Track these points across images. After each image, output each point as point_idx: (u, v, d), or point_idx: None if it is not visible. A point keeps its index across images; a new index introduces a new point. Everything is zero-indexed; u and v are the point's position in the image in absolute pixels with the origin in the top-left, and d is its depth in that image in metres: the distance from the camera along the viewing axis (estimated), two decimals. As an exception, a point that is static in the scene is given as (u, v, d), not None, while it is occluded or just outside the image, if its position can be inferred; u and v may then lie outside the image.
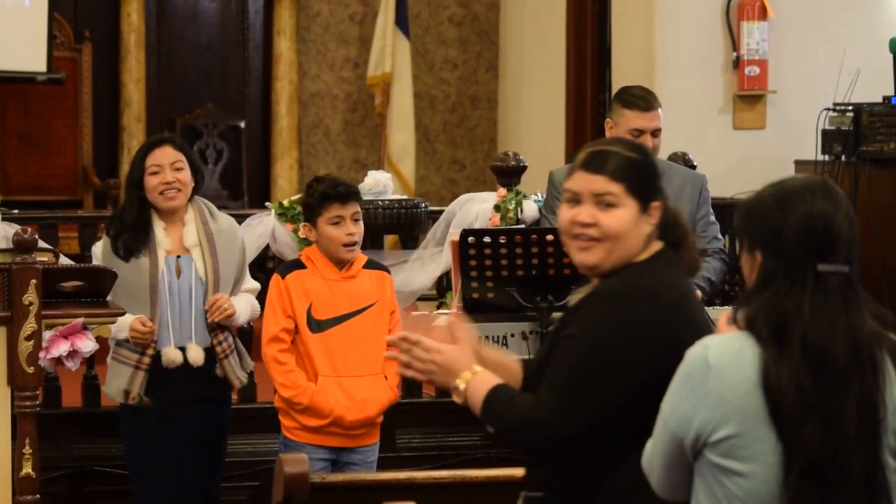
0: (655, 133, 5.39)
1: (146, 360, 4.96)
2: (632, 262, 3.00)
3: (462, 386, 2.98)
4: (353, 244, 4.98)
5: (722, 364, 2.58)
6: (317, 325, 4.95)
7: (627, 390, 2.86)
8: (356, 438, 5.01)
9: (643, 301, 2.92)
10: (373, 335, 4.98)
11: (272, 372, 4.98)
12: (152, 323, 4.92)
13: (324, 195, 4.99)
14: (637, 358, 2.87)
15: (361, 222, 5.03)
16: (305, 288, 4.96)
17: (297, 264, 5.05)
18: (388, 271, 5.16)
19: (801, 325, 2.55)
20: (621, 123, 5.39)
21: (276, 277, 5.01)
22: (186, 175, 5.03)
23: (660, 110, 5.43)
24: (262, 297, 5.18)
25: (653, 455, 2.72)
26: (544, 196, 5.75)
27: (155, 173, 5.01)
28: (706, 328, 2.91)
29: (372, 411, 4.98)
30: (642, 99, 5.42)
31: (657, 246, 3.05)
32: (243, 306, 5.06)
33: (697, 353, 2.62)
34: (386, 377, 5.02)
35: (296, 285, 4.97)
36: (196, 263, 5.01)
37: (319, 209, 4.98)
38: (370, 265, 5.10)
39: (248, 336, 6.01)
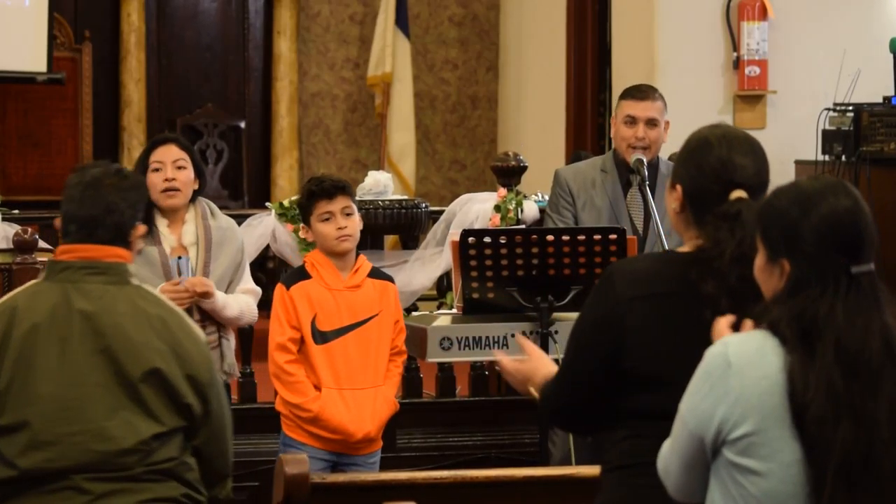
0: (651, 123, 5.36)
1: None
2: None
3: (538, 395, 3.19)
4: (346, 237, 4.95)
5: (742, 362, 2.56)
6: (321, 337, 4.89)
7: (586, 371, 2.97)
8: (358, 449, 4.97)
9: (604, 284, 2.97)
10: (375, 346, 4.93)
11: (280, 381, 4.90)
12: None
13: (311, 193, 4.95)
14: (586, 340, 2.98)
15: (356, 216, 4.95)
16: (310, 299, 4.89)
17: (302, 274, 4.97)
18: (393, 281, 5.11)
19: (835, 329, 2.51)
20: (618, 115, 5.42)
21: (280, 288, 4.94)
22: (188, 174, 5.01)
23: (659, 103, 5.41)
24: (264, 298, 5.16)
25: (670, 457, 2.69)
26: (547, 195, 5.74)
27: (157, 170, 5.00)
28: (666, 324, 2.90)
29: (373, 427, 4.91)
30: (638, 89, 5.46)
31: (695, 244, 2.94)
32: (232, 299, 4.99)
33: (717, 351, 2.60)
34: (387, 386, 4.98)
35: (300, 296, 4.90)
36: (193, 262, 4.99)
37: (310, 208, 4.94)
38: (375, 274, 5.03)
39: (249, 338, 6.01)
